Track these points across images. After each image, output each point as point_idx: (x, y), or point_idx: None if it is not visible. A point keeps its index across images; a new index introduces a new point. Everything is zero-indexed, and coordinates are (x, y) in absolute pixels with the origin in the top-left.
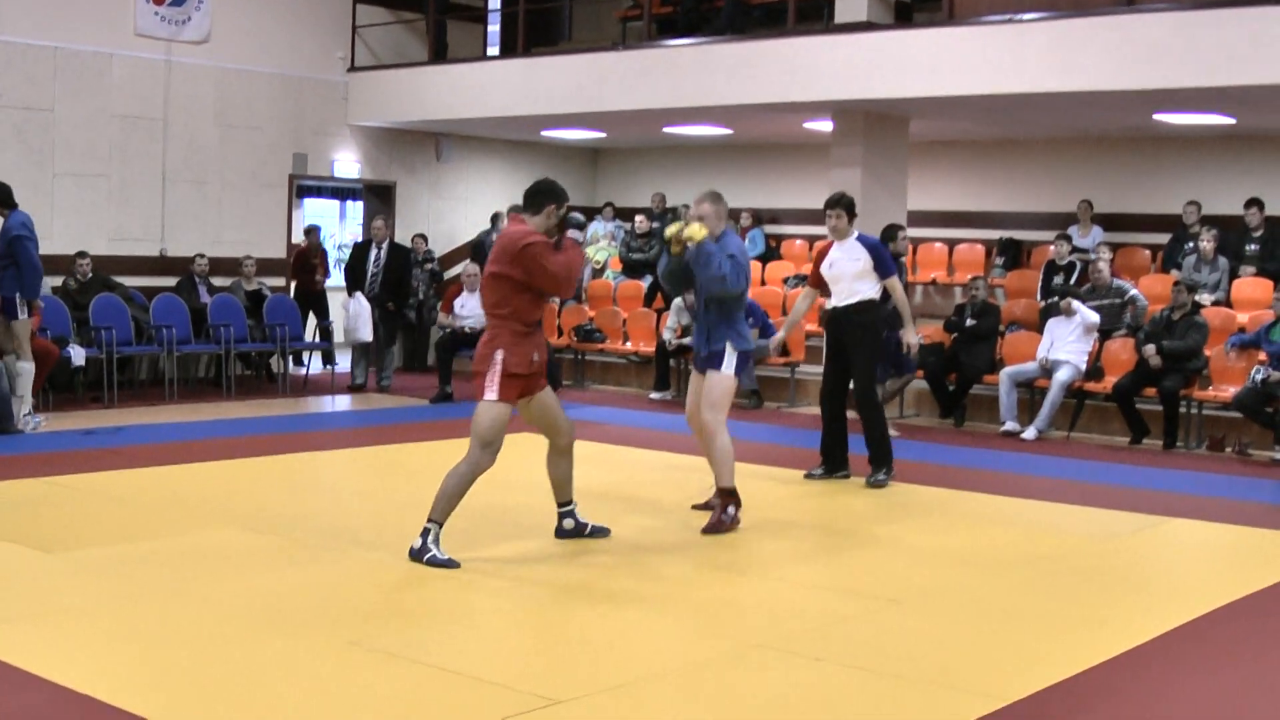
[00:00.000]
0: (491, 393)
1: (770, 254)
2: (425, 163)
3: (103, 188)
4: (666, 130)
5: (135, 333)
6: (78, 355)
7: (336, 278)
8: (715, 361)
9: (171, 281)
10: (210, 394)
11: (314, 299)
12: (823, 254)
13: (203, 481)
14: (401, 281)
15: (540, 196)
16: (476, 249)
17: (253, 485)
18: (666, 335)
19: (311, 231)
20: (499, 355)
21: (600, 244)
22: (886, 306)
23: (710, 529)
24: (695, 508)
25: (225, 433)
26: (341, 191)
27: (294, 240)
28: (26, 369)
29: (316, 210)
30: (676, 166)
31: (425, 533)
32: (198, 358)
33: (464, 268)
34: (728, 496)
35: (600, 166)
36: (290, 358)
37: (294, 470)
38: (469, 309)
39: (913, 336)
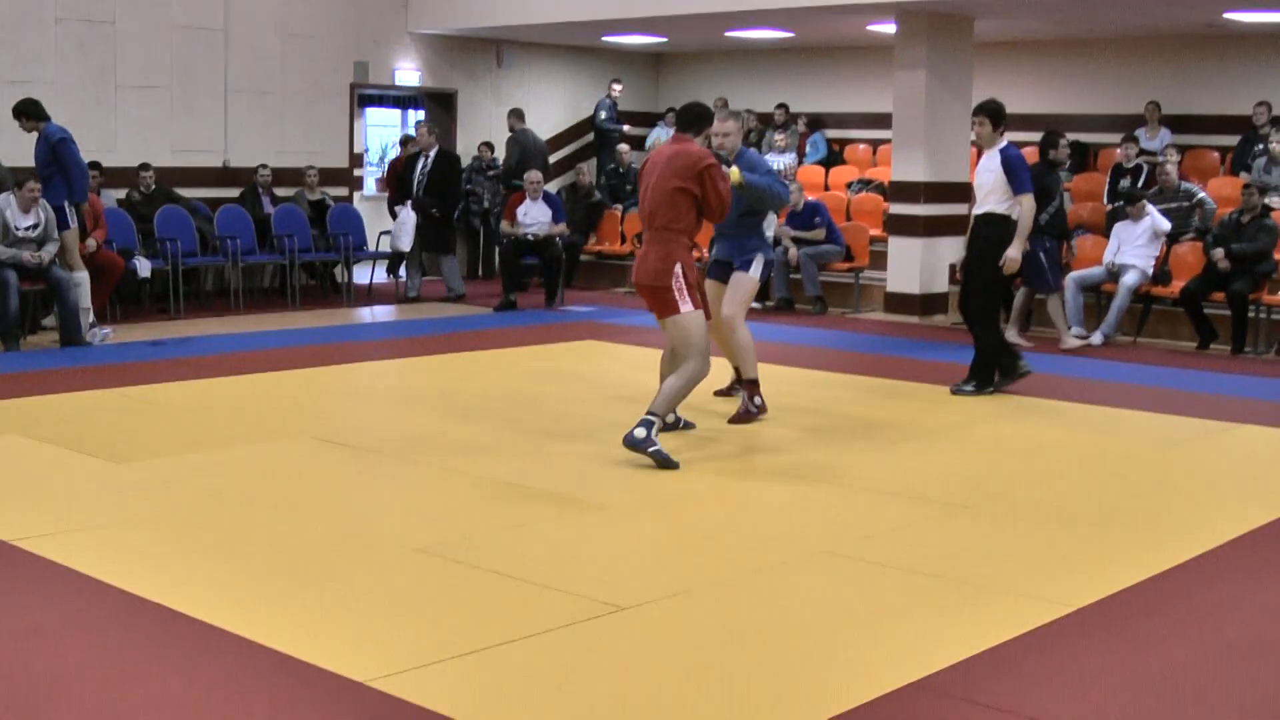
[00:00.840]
0: (686, 304)
1: (833, 158)
2: (487, 69)
3: (165, 99)
4: (728, 34)
5: (200, 244)
6: (143, 267)
7: (369, 186)
8: (745, 265)
9: (235, 192)
10: (275, 304)
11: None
12: None
13: (270, 391)
14: (448, 189)
15: (702, 120)
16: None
17: (319, 395)
18: None
19: (408, 141)
20: (678, 269)
21: None
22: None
23: (738, 418)
24: (718, 393)
25: (290, 342)
26: (403, 100)
27: (355, 149)
28: (82, 278)
29: (379, 120)
30: (739, 71)
31: (649, 424)
32: (262, 268)
33: (527, 175)
34: (752, 386)
35: (662, 72)
36: (354, 267)
37: (358, 379)
38: (532, 217)
39: (1014, 250)
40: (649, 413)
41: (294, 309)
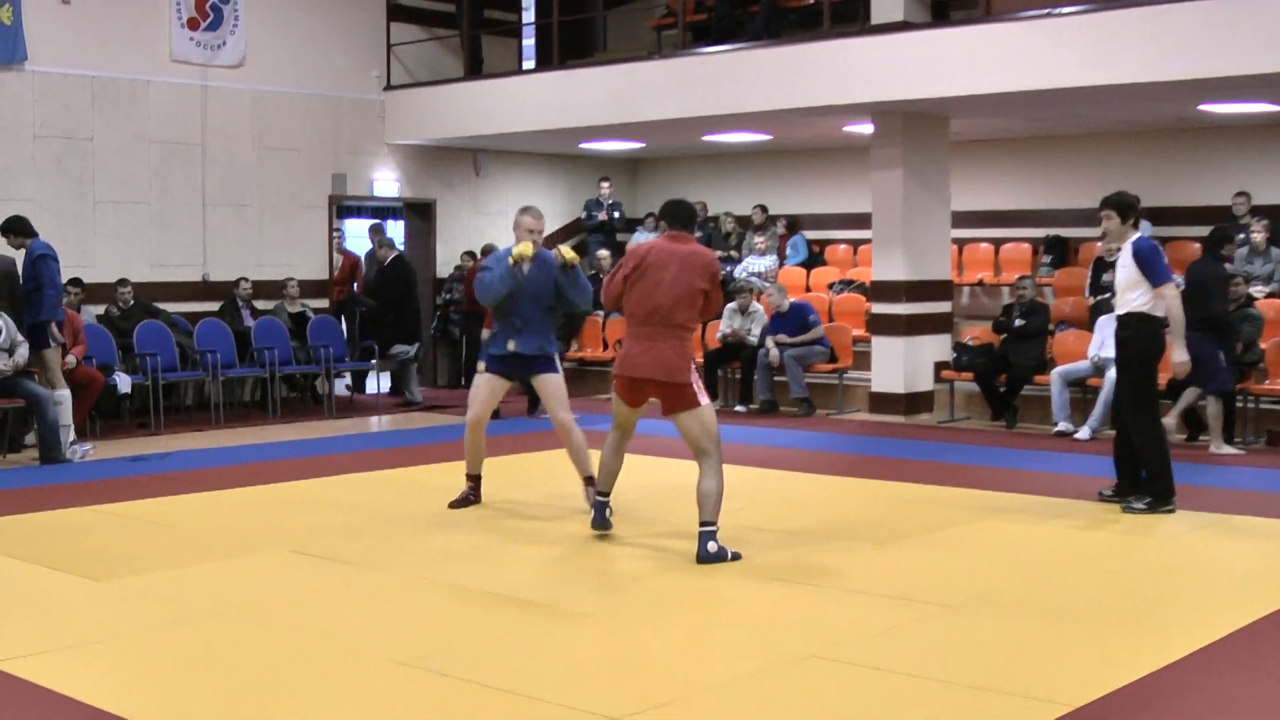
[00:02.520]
0: (704, 397)
1: (813, 259)
2: (464, 179)
3: (143, 214)
4: (706, 138)
5: (180, 358)
6: (123, 383)
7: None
8: (551, 366)
9: (214, 306)
10: (256, 417)
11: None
12: None
13: (250, 505)
14: (405, 298)
15: (694, 219)
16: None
17: (298, 508)
18: (720, 334)
19: (377, 233)
20: (693, 365)
21: None
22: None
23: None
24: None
25: (271, 455)
26: (381, 210)
27: (335, 261)
28: (63, 396)
29: (358, 230)
30: (717, 174)
31: (711, 535)
32: (243, 381)
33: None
34: (591, 482)
35: (640, 177)
36: (338, 379)
37: (337, 492)
38: None
39: (1178, 353)
40: (705, 524)
41: (275, 422)
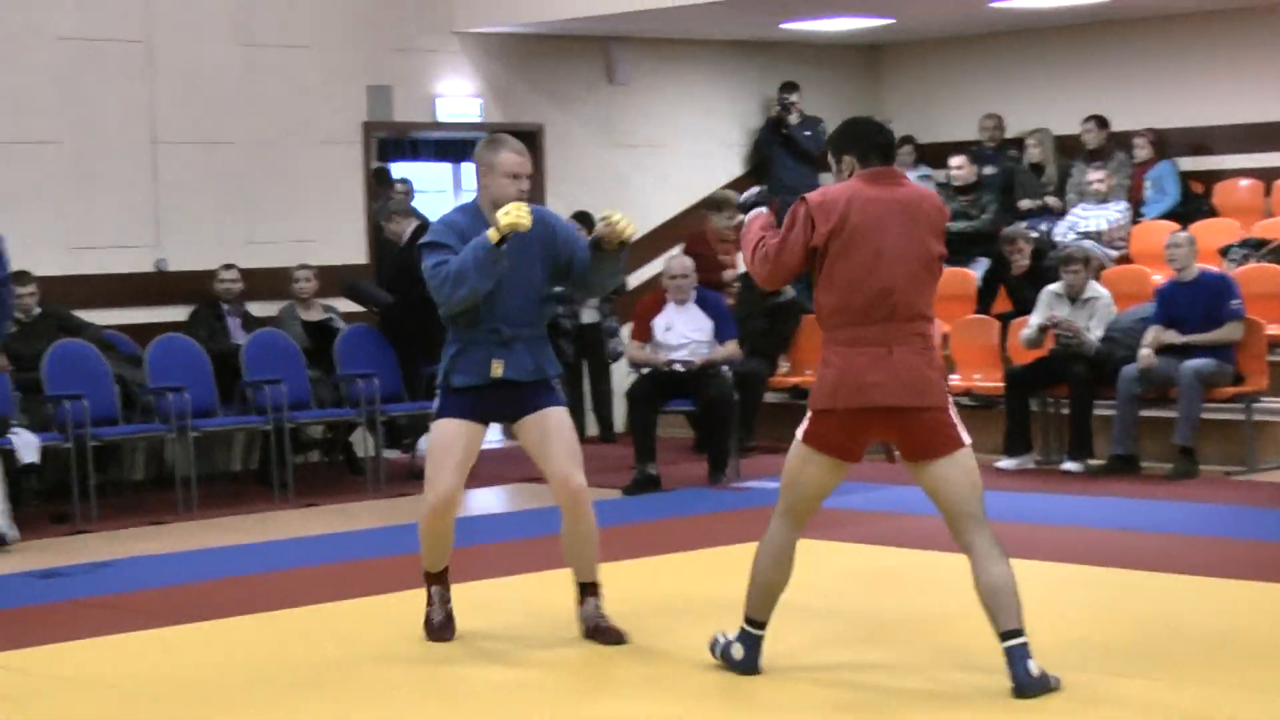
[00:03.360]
0: (965, 433)
1: (1192, 206)
2: (590, 89)
3: (49, 161)
4: (995, 4)
5: (122, 402)
6: (25, 446)
7: None
8: (554, 397)
9: (178, 313)
10: (250, 498)
11: None
12: None
13: (236, 650)
14: (398, 281)
15: (894, 146)
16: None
17: (320, 652)
18: (1029, 334)
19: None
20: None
21: None
22: None
23: (605, 634)
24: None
25: (275, 564)
26: (451, 146)
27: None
28: None
29: (410, 178)
30: (1017, 68)
31: (1027, 650)
32: (228, 438)
33: (667, 265)
34: (594, 592)
35: (886, 76)
36: (384, 429)
37: (384, 622)
38: (680, 333)
39: None
40: (1014, 634)
41: (283, 505)
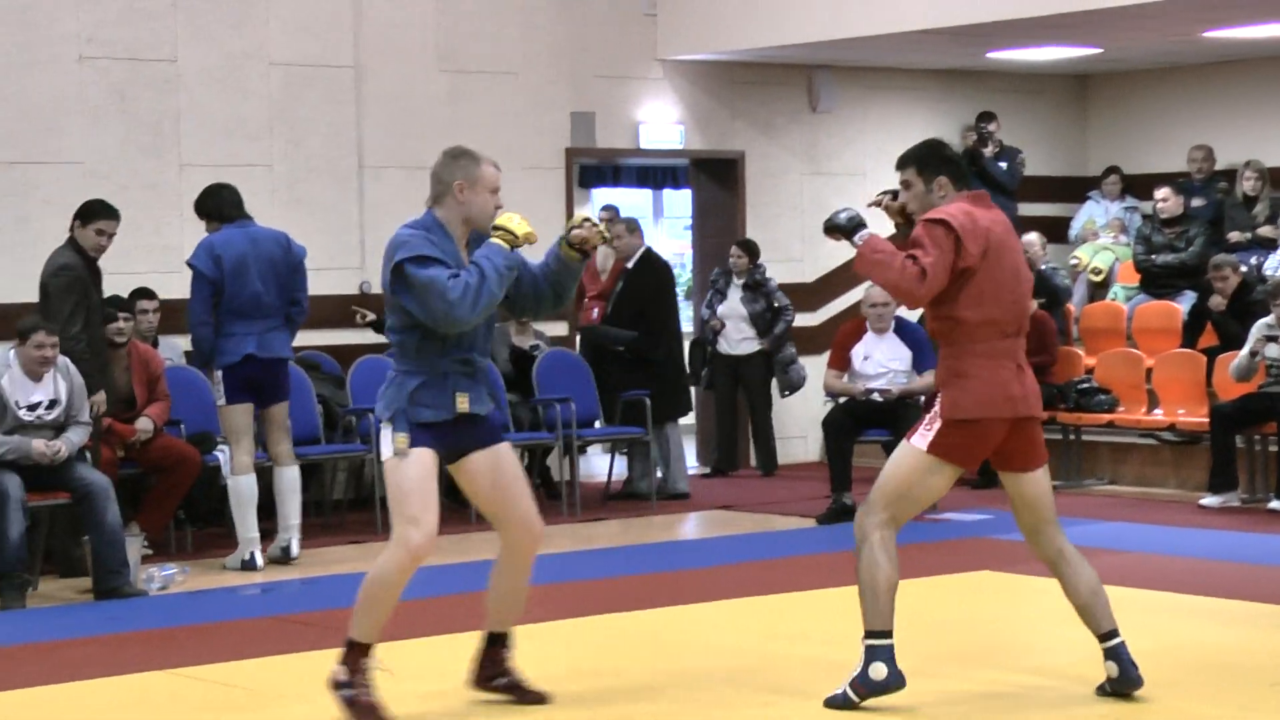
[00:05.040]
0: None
1: None
2: (793, 117)
3: (260, 183)
4: (1209, 35)
5: (324, 422)
6: (227, 463)
7: None
8: (497, 429)
9: (381, 336)
10: (446, 519)
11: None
12: None
13: (429, 668)
14: (645, 313)
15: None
16: None
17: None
18: (1239, 364)
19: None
20: None
21: (1100, 239)
22: None
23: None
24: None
25: (469, 585)
26: (654, 173)
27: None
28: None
29: (613, 205)
30: (1226, 98)
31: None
32: None
33: (867, 293)
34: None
35: (1092, 105)
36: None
37: (598, 642)
38: (879, 361)
39: None
40: (1113, 634)
41: (471, 526)
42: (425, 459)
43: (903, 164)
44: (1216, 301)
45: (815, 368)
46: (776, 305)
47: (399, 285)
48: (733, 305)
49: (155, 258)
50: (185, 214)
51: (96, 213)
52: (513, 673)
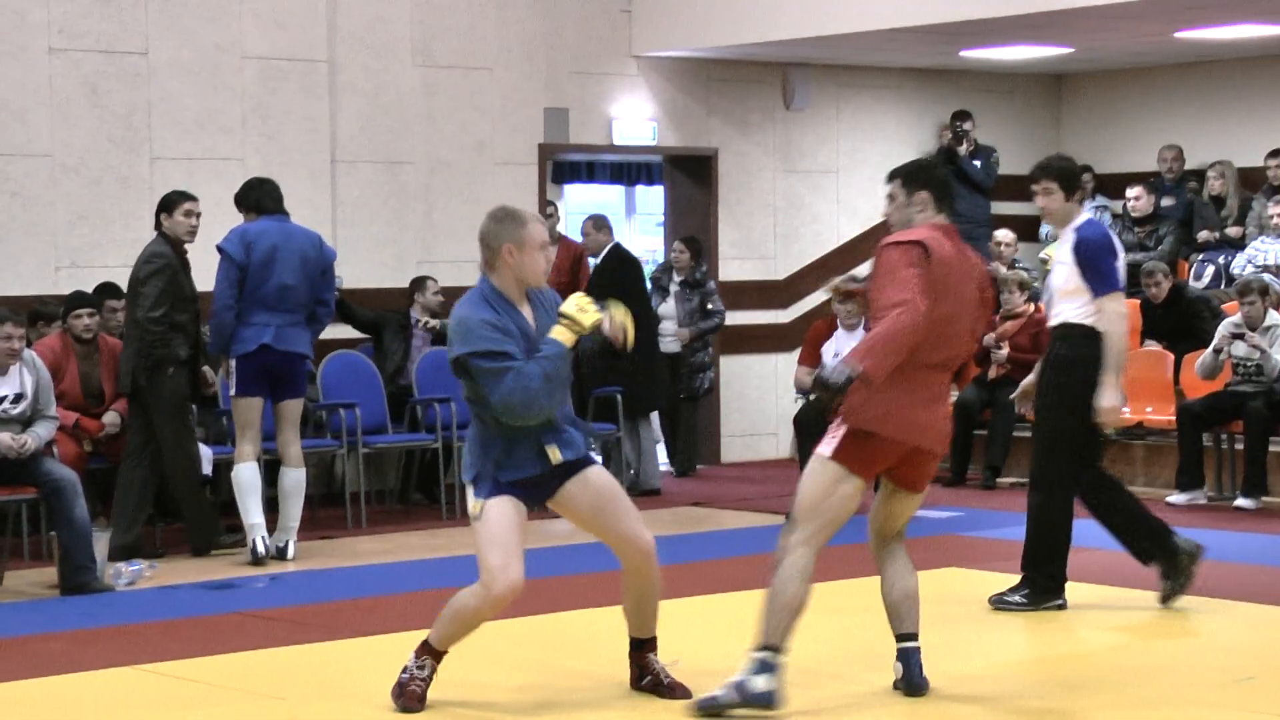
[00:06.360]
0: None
1: None
2: (767, 114)
3: (233, 178)
4: (1181, 35)
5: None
6: (201, 459)
7: None
8: (591, 456)
9: (352, 331)
10: (415, 515)
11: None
12: None
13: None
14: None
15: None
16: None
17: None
18: (1205, 361)
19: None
20: None
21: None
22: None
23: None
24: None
25: (435, 581)
26: (627, 170)
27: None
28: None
29: (585, 201)
30: (1198, 99)
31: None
32: (396, 457)
33: (835, 284)
34: (652, 648)
35: (1065, 104)
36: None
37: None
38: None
39: (1108, 395)
40: (911, 636)
41: (449, 522)
42: (507, 511)
43: (891, 177)
44: (1155, 299)
45: (787, 365)
46: (709, 308)
47: (462, 374)
48: (670, 303)
49: (126, 251)
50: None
51: (176, 201)
52: (655, 673)
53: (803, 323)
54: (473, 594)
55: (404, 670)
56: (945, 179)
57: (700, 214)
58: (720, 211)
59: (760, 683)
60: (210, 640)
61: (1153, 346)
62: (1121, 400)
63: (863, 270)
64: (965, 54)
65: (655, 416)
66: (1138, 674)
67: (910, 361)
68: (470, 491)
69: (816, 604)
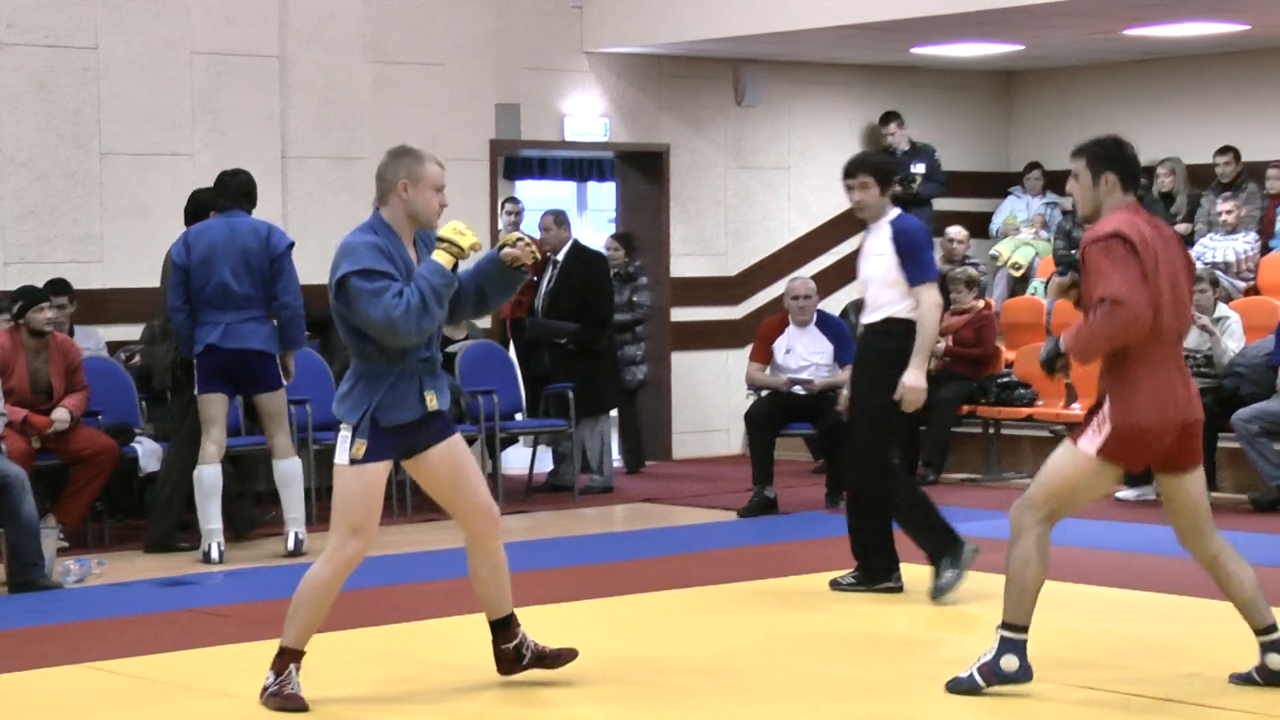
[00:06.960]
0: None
1: None
2: (718, 110)
3: (183, 173)
4: (1129, 33)
5: (245, 412)
6: (147, 455)
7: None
8: (449, 421)
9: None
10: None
11: None
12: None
13: (352, 662)
14: (588, 305)
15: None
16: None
17: (406, 665)
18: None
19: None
20: None
21: (1021, 234)
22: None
23: None
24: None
25: (399, 577)
26: (580, 166)
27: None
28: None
29: (537, 197)
30: (1147, 97)
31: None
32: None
33: (789, 286)
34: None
35: (1016, 101)
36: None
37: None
38: (799, 355)
39: (912, 375)
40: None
41: (403, 518)
42: (379, 473)
43: (1076, 153)
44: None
45: (738, 361)
46: (634, 300)
47: (343, 297)
48: None
49: (74, 247)
50: (106, 203)
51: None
52: (533, 647)
53: (754, 319)
54: (327, 566)
55: (265, 688)
56: (1132, 158)
57: (652, 210)
58: (672, 208)
59: (1010, 662)
60: (161, 638)
61: None
62: (925, 384)
63: None
64: (916, 51)
65: (615, 414)
66: (1101, 665)
67: (1155, 339)
68: (347, 434)
69: None
